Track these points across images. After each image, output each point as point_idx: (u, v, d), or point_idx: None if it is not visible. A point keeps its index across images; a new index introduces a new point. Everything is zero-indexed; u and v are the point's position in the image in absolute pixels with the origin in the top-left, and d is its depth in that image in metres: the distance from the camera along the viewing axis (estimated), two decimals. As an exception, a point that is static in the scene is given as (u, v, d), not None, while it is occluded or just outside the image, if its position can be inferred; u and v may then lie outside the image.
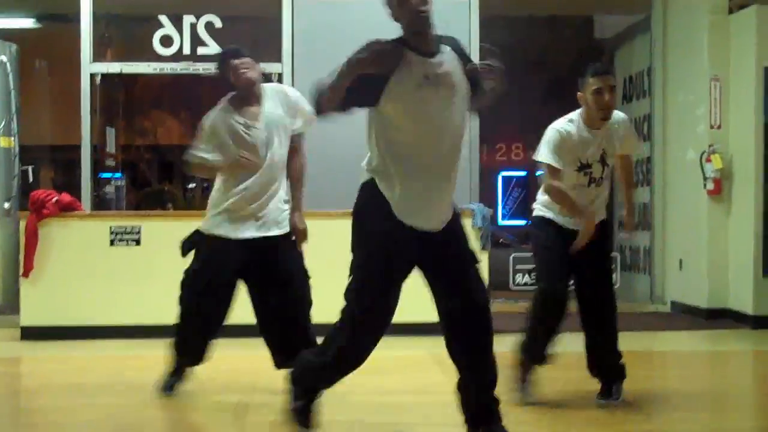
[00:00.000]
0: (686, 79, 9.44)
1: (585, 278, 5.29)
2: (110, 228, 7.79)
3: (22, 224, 7.82)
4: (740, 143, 8.66)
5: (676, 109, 9.71)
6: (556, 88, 13.90)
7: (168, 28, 9.29)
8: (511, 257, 8.94)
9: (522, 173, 15.37)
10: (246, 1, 9.90)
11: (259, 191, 5.14)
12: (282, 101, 5.27)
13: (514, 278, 8.92)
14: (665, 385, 6.38)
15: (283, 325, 5.19)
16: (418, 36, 4.05)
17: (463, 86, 4.11)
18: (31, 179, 9.66)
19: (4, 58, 9.02)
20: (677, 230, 9.66)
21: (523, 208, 14.44)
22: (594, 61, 5.34)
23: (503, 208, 15.91)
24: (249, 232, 5.14)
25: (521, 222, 14.37)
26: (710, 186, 8.80)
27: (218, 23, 9.29)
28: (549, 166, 5.07)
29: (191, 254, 5.32)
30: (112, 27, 10.12)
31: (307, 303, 5.23)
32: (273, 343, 5.27)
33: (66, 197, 7.97)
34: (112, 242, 7.79)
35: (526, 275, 8.83)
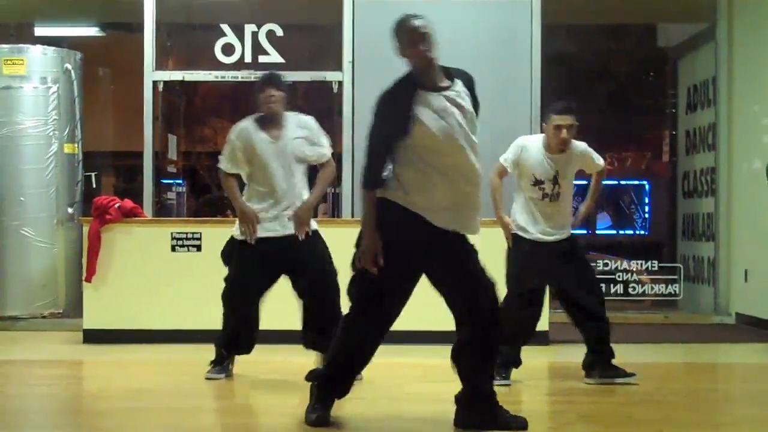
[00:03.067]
0: (753, 88, 9.30)
1: (569, 291, 6.05)
2: (172, 234, 7.85)
3: (85, 229, 7.91)
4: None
5: (741, 118, 9.56)
6: (618, 97, 13.81)
7: (230, 37, 9.36)
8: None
9: (583, 182, 15.24)
10: (307, 9, 9.94)
11: (277, 201, 5.87)
12: (302, 129, 6.01)
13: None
14: (729, 397, 6.25)
15: (310, 307, 5.89)
16: (426, 75, 4.55)
17: (473, 118, 4.63)
18: (94, 185, 9.78)
19: (69, 66, 9.14)
20: (742, 241, 9.50)
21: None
22: (562, 99, 6.13)
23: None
24: (269, 232, 5.85)
25: (582, 231, 14.24)
26: (776, 196, 8.64)
27: (279, 32, 9.34)
28: (500, 164, 6.07)
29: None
30: (175, 35, 10.22)
31: (328, 289, 5.80)
32: (303, 323, 5.94)
33: (128, 203, 8.06)
34: (173, 248, 7.85)
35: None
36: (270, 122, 5.92)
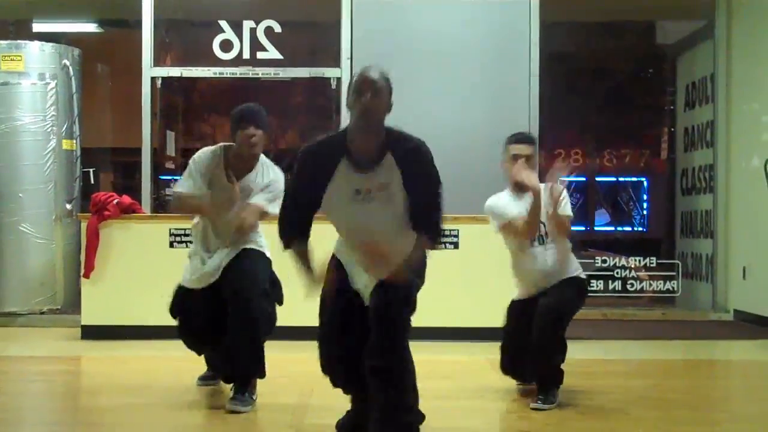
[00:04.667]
0: (751, 86, 9.30)
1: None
2: (170, 230, 7.85)
3: (84, 225, 7.91)
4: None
5: (740, 115, 9.56)
6: (616, 94, 13.81)
7: (228, 33, 9.36)
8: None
9: (581, 178, 15.25)
10: (305, 6, 9.94)
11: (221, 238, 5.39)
12: (266, 178, 5.38)
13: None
14: (727, 394, 6.26)
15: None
16: (361, 137, 4.08)
17: (397, 196, 4.10)
18: (92, 181, 9.77)
19: (67, 63, 9.13)
20: (741, 238, 9.50)
21: (581, 212, 14.32)
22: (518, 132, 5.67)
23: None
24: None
25: (580, 227, 14.25)
26: (775, 193, 8.65)
27: (278, 28, 9.34)
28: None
29: None
30: (173, 32, 10.21)
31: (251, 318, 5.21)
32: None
33: (126, 199, 8.06)
34: (171, 244, 7.85)
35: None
36: (241, 161, 5.36)
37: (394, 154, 4.08)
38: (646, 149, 14.90)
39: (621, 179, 15.52)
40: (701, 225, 10.19)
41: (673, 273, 9.71)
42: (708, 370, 7.14)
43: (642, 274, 9.56)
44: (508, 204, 5.50)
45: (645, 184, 15.44)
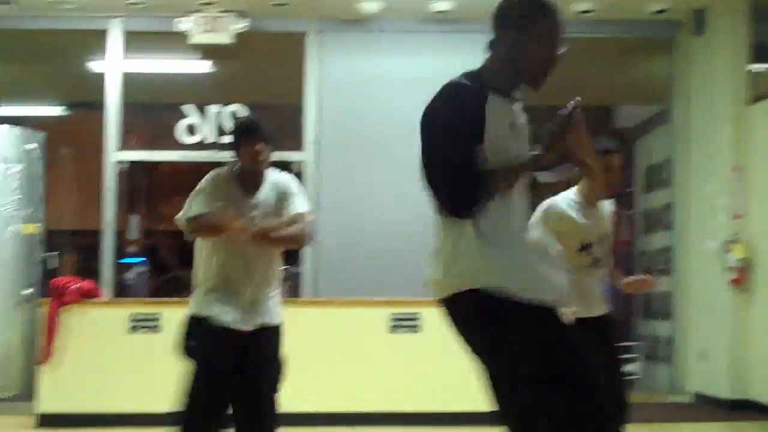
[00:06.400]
0: (707, 169, 9.46)
1: None
2: (130, 315, 7.83)
3: (43, 311, 7.88)
4: (764, 232, 8.64)
5: (697, 198, 9.70)
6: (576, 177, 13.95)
7: (193, 117, 9.44)
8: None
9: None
10: (270, 89, 10.07)
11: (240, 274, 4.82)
12: (277, 190, 4.91)
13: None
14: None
15: None
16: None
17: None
18: (56, 265, 9.75)
19: (34, 146, 9.16)
20: (698, 320, 9.59)
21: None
22: None
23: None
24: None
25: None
26: (732, 276, 8.76)
27: (243, 112, 9.42)
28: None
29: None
30: (138, 115, 10.28)
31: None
32: None
33: (86, 284, 8.06)
34: (132, 329, 7.83)
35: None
36: (250, 178, 4.89)
37: None
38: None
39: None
40: (660, 307, 10.29)
41: (635, 355, 9.76)
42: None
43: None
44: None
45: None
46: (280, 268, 4.98)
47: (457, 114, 3.13)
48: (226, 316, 4.74)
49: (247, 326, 4.75)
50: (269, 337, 4.85)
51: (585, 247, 4.94)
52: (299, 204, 4.89)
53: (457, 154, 3.09)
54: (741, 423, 8.28)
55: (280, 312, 4.92)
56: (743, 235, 8.78)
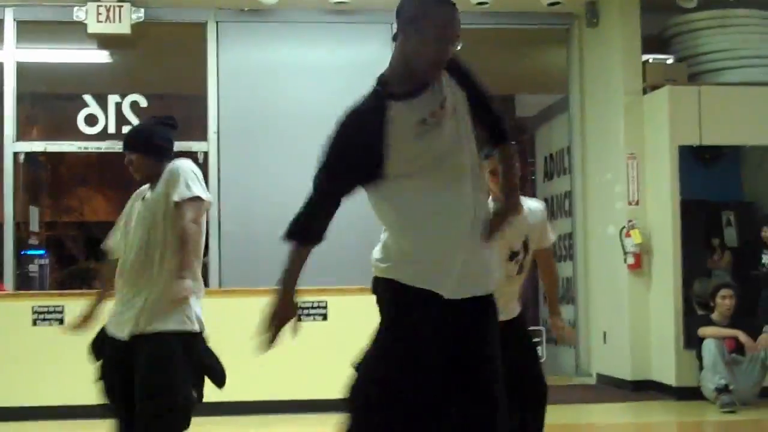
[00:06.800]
0: (604, 158, 9.67)
1: None
2: (32, 308, 7.69)
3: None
4: (658, 219, 8.88)
5: (595, 186, 9.93)
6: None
7: (93, 108, 9.29)
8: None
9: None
10: (172, 80, 9.96)
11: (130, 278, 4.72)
12: (166, 179, 4.61)
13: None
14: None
15: None
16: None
17: None
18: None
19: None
20: (600, 304, 9.82)
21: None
22: None
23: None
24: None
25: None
26: (630, 260, 8.99)
27: (143, 102, 9.31)
28: None
29: None
30: (37, 106, 10.09)
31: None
32: None
33: (-12, 277, 7.90)
34: (34, 322, 7.69)
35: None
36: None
37: None
38: (510, 218, 15.24)
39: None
40: (563, 292, 10.49)
41: (538, 339, 9.93)
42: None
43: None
44: None
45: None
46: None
47: (341, 150, 3.29)
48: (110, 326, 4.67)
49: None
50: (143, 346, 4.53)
51: (513, 256, 4.93)
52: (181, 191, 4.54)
53: (319, 187, 3.43)
54: (643, 402, 8.51)
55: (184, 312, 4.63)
56: (640, 221, 9.01)
